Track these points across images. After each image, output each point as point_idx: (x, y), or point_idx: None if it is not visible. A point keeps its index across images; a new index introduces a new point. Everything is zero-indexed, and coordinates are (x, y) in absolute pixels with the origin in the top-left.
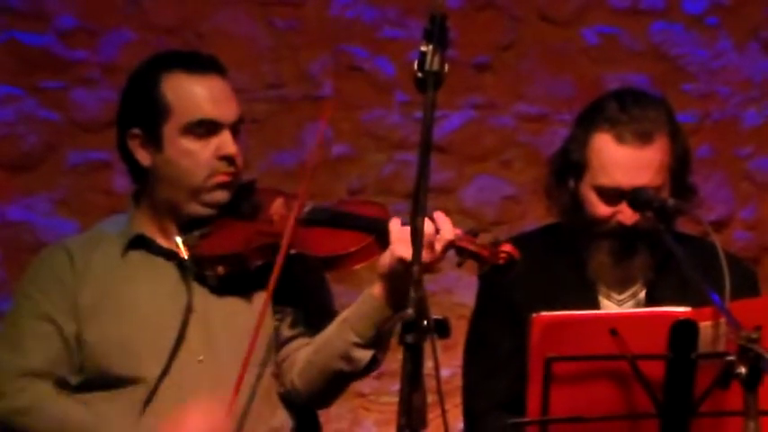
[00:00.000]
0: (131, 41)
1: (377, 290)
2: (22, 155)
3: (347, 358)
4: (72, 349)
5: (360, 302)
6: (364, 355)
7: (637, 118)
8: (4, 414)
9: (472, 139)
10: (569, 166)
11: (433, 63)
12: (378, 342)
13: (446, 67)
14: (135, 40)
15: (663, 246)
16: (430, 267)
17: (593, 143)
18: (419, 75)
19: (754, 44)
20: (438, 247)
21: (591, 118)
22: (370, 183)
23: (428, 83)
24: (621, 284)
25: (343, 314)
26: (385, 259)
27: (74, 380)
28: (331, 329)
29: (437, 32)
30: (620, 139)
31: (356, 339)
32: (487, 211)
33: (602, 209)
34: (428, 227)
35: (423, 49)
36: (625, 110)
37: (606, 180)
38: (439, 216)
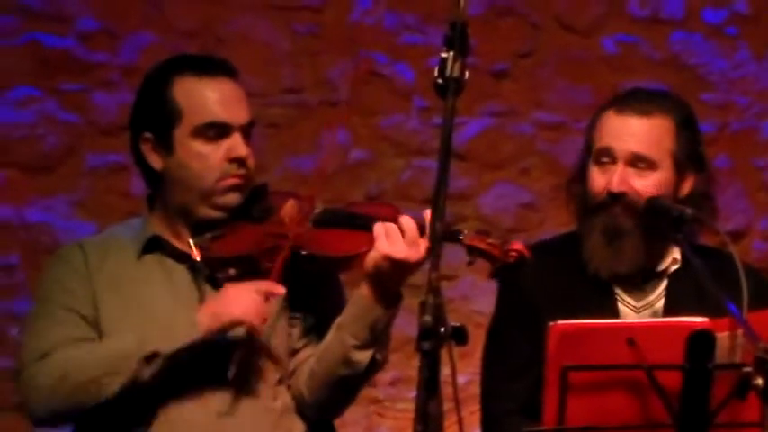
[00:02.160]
0: (151, 45)
1: (365, 290)
2: (42, 156)
3: (347, 362)
4: (95, 332)
5: (351, 304)
6: (363, 356)
7: (641, 100)
8: (42, 381)
9: (491, 146)
10: (584, 151)
11: (453, 69)
12: (375, 342)
13: (467, 74)
14: (155, 44)
15: (660, 232)
16: (414, 264)
17: (598, 122)
18: (439, 81)
19: None
20: (422, 245)
21: (604, 105)
22: (389, 188)
23: (448, 89)
24: (613, 268)
25: (338, 319)
26: (370, 257)
27: None
28: (329, 336)
29: (458, 39)
30: (620, 111)
31: (353, 342)
32: (505, 218)
33: (597, 180)
34: (412, 224)
35: (443, 55)
36: (633, 94)
37: (600, 144)
38: (427, 215)
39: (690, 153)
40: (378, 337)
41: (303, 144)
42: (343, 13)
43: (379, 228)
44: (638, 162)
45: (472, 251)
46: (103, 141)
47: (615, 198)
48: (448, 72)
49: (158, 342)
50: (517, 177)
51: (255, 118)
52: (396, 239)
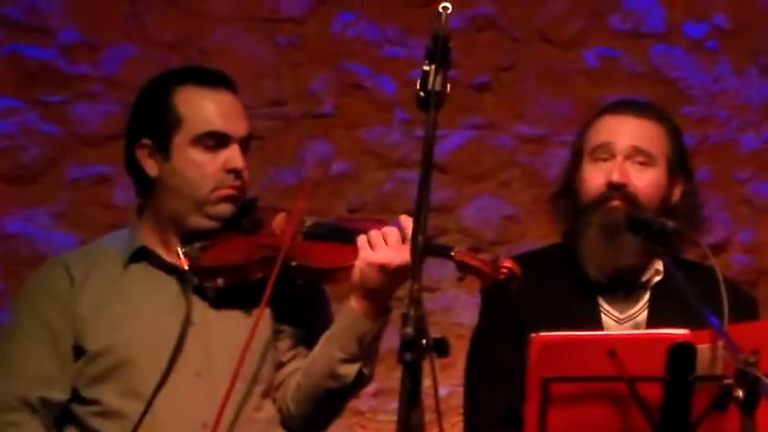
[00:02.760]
0: (133, 56)
1: (353, 302)
2: (23, 167)
3: (333, 375)
4: (67, 366)
5: (339, 317)
6: (350, 370)
7: (635, 105)
8: None
9: (472, 158)
10: (573, 157)
11: (435, 82)
12: (362, 355)
13: (448, 87)
14: (137, 56)
15: (655, 241)
16: (398, 268)
17: (590, 127)
18: (421, 94)
19: (754, 69)
20: (405, 249)
21: (595, 115)
22: (370, 200)
23: (430, 102)
24: (611, 265)
25: (327, 332)
26: (355, 269)
27: (65, 395)
28: (316, 350)
29: (439, 52)
30: (616, 112)
31: (340, 355)
32: (487, 230)
33: (595, 176)
34: (393, 229)
35: (425, 68)
36: (625, 102)
37: (597, 141)
38: (405, 219)
39: (681, 160)
40: (365, 351)
41: (286, 156)
42: (325, 26)
43: (361, 238)
44: (637, 155)
45: (463, 268)
46: (85, 153)
47: (616, 189)
48: (429, 85)
49: (140, 354)
50: (498, 190)
51: (255, 134)
52: (378, 245)
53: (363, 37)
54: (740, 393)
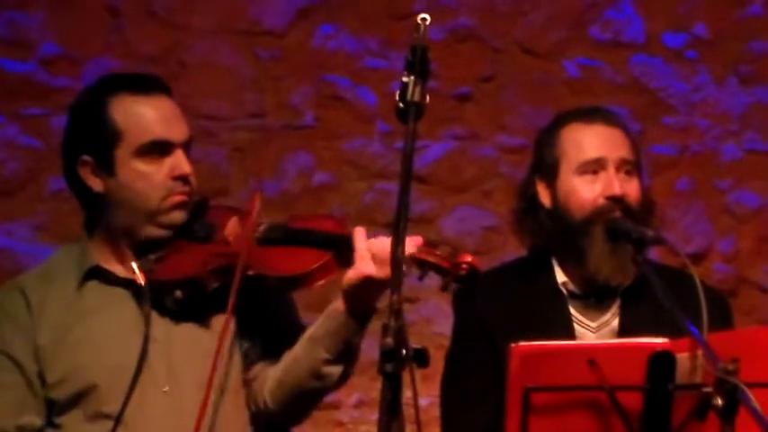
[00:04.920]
0: (114, 69)
1: (341, 305)
2: (3, 181)
3: (318, 375)
4: (36, 389)
5: (325, 318)
6: (335, 370)
7: (599, 112)
8: None
9: (453, 169)
10: (543, 170)
11: (414, 94)
12: (347, 356)
13: (427, 98)
14: (117, 69)
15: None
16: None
17: (563, 136)
18: (400, 105)
19: (733, 78)
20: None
21: (554, 124)
22: (351, 211)
23: (409, 113)
24: (619, 271)
25: (309, 331)
26: (349, 276)
27: (39, 420)
28: (299, 348)
29: (419, 64)
30: (589, 121)
31: (326, 356)
32: (468, 240)
33: (587, 190)
34: (386, 244)
35: (404, 79)
36: (586, 108)
37: (587, 155)
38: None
39: (640, 159)
40: (350, 352)
41: (267, 168)
42: (306, 38)
43: (359, 248)
44: (625, 166)
45: (423, 265)
46: None
47: (617, 201)
48: (409, 96)
49: (103, 376)
50: (480, 200)
51: (194, 134)
52: (379, 260)
53: (344, 49)
54: (719, 402)
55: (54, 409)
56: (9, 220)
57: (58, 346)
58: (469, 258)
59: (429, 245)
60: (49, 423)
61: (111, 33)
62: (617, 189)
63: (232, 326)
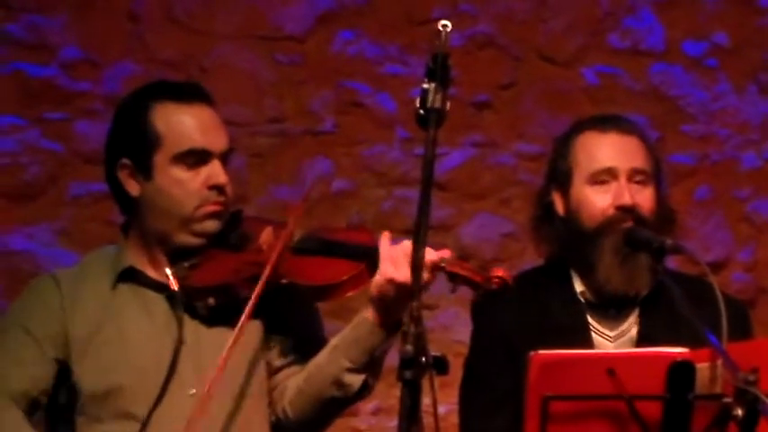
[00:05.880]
0: (134, 74)
1: (369, 313)
2: (25, 185)
3: (339, 384)
4: (50, 375)
5: (352, 327)
6: (356, 379)
7: (615, 121)
8: None
9: (472, 176)
10: (557, 179)
11: (434, 100)
12: (370, 366)
13: (448, 104)
14: (138, 73)
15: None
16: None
17: (576, 144)
18: (421, 112)
19: (753, 87)
20: (425, 270)
21: (569, 132)
22: (370, 218)
23: (430, 120)
24: (633, 286)
25: (334, 341)
26: (376, 280)
27: (44, 399)
28: (322, 356)
29: (439, 71)
30: (603, 130)
31: (348, 365)
32: (486, 248)
33: (598, 200)
34: (410, 248)
35: (425, 86)
36: (602, 116)
37: (598, 165)
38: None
39: (659, 170)
40: (374, 362)
41: (286, 173)
42: (326, 44)
43: (384, 251)
44: (638, 176)
45: (454, 278)
46: (86, 170)
47: (628, 211)
48: (429, 103)
49: (133, 377)
50: (498, 208)
51: (235, 146)
52: (400, 263)
53: (363, 55)
54: (739, 412)
55: (78, 405)
56: (30, 223)
57: (91, 340)
58: (501, 272)
59: (461, 259)
60: (73, 420)
61: (132, 38)
62: (627, 199)
63: (259, 332)
